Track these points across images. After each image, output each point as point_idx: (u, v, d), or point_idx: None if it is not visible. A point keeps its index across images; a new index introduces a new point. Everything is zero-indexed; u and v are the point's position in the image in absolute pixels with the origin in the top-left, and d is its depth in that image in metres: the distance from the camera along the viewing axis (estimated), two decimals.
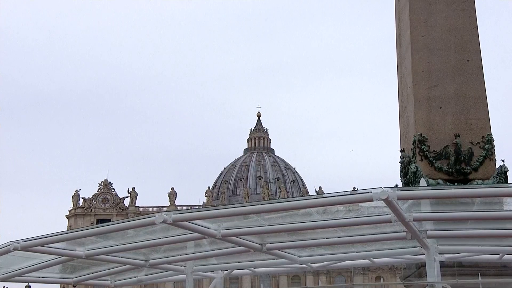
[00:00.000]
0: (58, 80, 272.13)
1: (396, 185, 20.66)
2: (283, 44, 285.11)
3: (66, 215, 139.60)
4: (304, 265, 19.10)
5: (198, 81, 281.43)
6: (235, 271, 20.32)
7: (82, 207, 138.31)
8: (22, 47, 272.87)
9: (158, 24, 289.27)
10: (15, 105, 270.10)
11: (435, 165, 20.81)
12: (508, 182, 20.54)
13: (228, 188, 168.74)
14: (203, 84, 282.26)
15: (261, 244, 16.07)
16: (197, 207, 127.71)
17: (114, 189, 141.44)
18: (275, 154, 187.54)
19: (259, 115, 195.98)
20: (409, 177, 21.08)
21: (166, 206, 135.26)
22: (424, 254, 16.14)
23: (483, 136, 21.16)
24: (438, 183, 20.40)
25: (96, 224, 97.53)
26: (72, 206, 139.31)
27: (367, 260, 19.06)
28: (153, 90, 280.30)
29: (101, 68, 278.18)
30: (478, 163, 20.77)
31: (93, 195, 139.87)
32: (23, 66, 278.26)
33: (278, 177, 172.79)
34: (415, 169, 20.74)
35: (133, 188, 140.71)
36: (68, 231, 15.50)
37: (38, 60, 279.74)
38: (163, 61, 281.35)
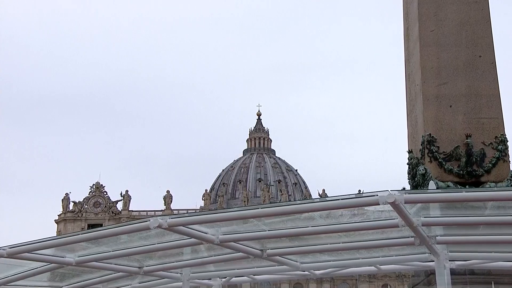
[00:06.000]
0: (50, 81, 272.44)
1: (404, 188, 20.67)
2: (285, 42, 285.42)
3: (55, 220, 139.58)
4: (306, 272, 19.09)
5: (195, 80, 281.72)
6: (234, 278, 20.31)
7: (72, 211, 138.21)
8: (17, 49, 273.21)
9: (156, 23, 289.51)
10: (4, 106, 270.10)
11: (445, 166, 20.80)
12: None
13: (226, 191, 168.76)
14: (200, 83, 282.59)
15: (261, 250, 16.07)
16: (194, 211, 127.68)
17: (106, 192, 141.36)
18: (276, 155, 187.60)
19: (259, 114, 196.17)
20: (417, 180, 21.08)
21: (161, 210, 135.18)
22: (433, 261, 16.13)
23: (496, 136, 21.15)
24: (448, 186, 20.39)
25: (87, 229, 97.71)
26: (62, 210, 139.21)
27: (373, 267, 19.05)
28: (148, 90, 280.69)
29: (95, 69, 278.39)
30: (490, 165, 20.76)
31: (84, 199, 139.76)
32: (14, 66, 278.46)
33: (279, 180, 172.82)
34: (424, 171, 20.73)
35: (127, 191, 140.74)
36: (58, 237, 15.48)
37: (31, 62, 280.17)
38: (158, 61, 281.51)
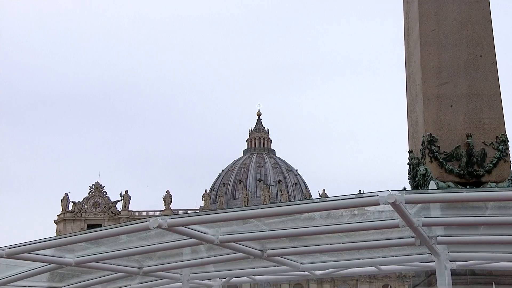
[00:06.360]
0: (50, 81, 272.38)
1: (404, 188, 20.66)
2: (286, 42, 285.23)
3: (54, 220, 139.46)
4: (306, 273, 19.09)
5: (195, 80, 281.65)
6: (233, 278, 20.32)
7: (71, 212, 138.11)
8: (17, 49, 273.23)
9: (156, 23, 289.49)
10: (4, 106, 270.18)
11: (446, 167, 20.79)
12: None
13: (226, 191, 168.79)
14: (200, 83, 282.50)
15: (261, 250, 16.07)
16: (193, 211, 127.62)
17: (105, 193, 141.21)
18: (276, 155, 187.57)
19: (259, 114, 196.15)
20: (418, 180, 21.08)
21: (161, 210, 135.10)
22: (434, 261, 16.12)
23: (497, 136, 21.15)
24: (449, 186, 20.39)
25: (87, 229, 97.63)
26: (61, 210, 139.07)
27: (373, 267, 19.05)
28: (148, 90, 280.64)
29: (95, 69, 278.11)
30: (491, 165, 20.76)
31: (83, 199, 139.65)
32: (14, 66, 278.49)
33: (279, 180, 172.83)
34: (424, 171, 20.73)
35: (126, 191, 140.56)
36: (57, 237, 15.49)
37: (31, 62, 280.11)
38: (158, 61, 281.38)
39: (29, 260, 15.42)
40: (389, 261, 18.03)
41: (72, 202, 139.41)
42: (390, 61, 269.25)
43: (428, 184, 20.10)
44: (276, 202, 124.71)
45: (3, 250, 14.40)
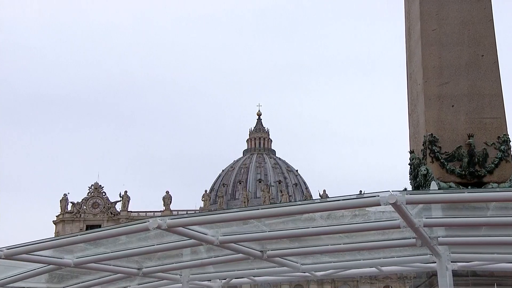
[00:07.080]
0: (50, 81, 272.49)
1: (405, 189, 20.68)
2: (286, 42, 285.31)
3: (53, 221, 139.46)
4: (307, 274, 19.09)
5: (195, 80, 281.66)
6: (234, 279, 20.31)
7: (70, 212, 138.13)
8: (17, 49, 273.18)
9: (156, 23, 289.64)
10: (4, 106, 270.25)
11: (447, 167, 20.79)
12: None
13: (226, 191, 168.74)
14: (200, 83, 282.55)
15: (262, 251, 16.06)
16: (193, 212, 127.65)
17: (105, 193, 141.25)
18: (276, 155, 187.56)
19: (259, 114, 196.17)
20: (419, 180, 21.07)
21: (160, 211, 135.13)
22: (435, 262, 16.11)
23: (498, 136, 21.14)
24: (450, 187, 20.39)
25: (86, 230, 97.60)
26: (60, 211, 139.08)
27: (374, 268, 19.05)
28: (148, 90, 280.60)
29: (94, 69, 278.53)
30: (493, 165, 20.74)
31: (82, 199, 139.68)
32: (14, 66, 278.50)
33: (280, 180, 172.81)
34: (426, 172, 20.73)
35: (125, 192, 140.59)
36: (56, 238, 15.49)
37: (31, 62, 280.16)
38: (159, 61, 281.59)
39: (27, 261, 15.40)
40: (390, 262, 18.01)
41: (71, 202, 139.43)
42: (390, 61, 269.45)
43: (429, 185, 20.09)
44: (276, 203, 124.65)
45: (1, 251, 14.38)
